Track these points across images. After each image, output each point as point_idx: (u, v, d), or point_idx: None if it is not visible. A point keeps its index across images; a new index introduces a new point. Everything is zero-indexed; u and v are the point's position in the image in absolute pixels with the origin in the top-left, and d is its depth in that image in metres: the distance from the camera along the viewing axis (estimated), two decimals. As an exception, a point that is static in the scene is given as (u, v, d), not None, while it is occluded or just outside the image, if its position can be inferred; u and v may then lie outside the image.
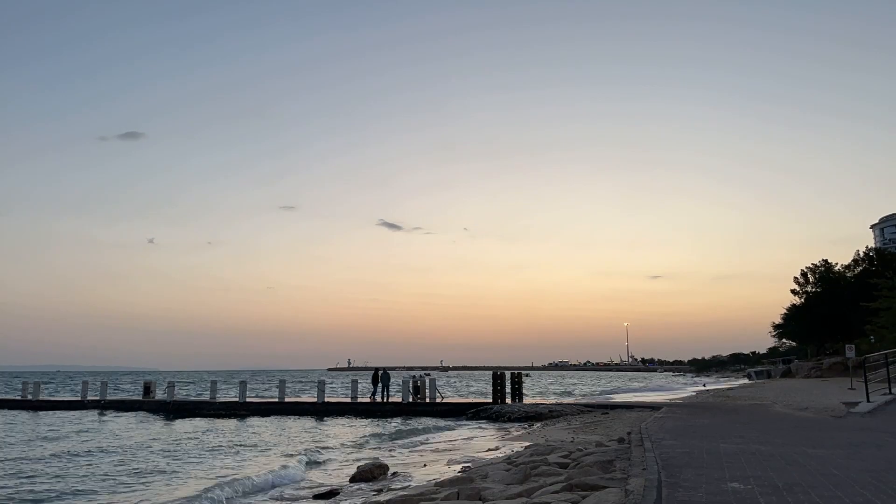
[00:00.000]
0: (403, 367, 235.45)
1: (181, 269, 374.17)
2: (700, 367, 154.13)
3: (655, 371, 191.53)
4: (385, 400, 34.71)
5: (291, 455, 18.23)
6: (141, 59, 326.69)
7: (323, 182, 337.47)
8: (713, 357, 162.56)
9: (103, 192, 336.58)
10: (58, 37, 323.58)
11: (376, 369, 36.74)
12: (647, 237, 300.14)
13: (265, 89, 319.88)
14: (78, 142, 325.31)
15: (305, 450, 19.51)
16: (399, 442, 22.28)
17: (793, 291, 67.33)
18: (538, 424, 25.92)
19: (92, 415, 34.83)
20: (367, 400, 35.52)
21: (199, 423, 29.22)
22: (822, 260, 65.38)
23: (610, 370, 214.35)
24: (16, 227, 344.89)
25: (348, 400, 36.90)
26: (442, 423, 28.55)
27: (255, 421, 30.44)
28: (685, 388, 61.86)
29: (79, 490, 13.73)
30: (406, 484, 12.86)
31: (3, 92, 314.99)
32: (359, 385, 39.58)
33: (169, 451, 19.72)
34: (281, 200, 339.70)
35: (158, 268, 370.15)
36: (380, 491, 12.18)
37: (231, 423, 29.28)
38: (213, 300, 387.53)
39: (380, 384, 35.21)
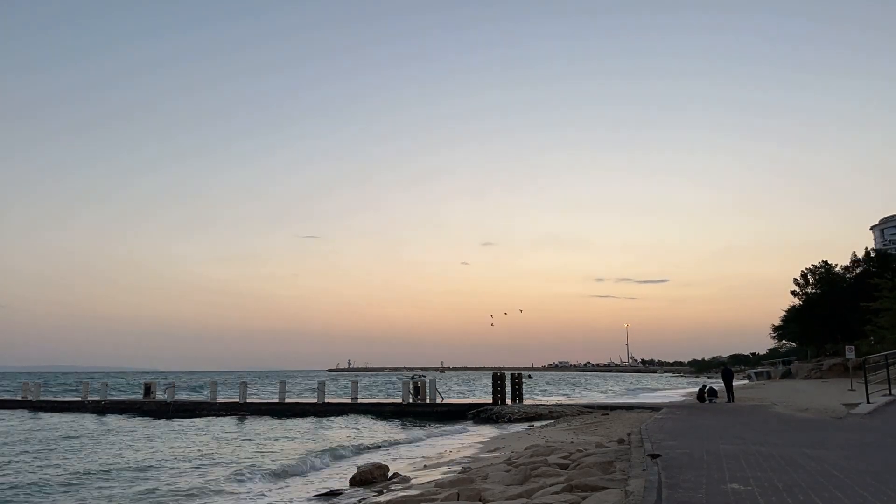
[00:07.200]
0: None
1: (185, 273, 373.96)
2: (700, 367, 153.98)
3: (655, 372, 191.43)
4: None
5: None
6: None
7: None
8: (713, 358, 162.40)
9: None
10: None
11: None
12: (647, 240, 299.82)
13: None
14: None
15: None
16: (399, 443, 22.28)
17: (793, 293, 67.23)
18: (538, 425, 25.91)
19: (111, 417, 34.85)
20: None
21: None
22: (822, 261, 65.26)
23: (610, 371, 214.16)
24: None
25: (349, 400, 36.86)
26: (442, 424, 28.53)
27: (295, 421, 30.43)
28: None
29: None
30: (406, 485, 12.85)
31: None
32: (359, 386, 39.58)
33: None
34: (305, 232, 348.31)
35: (163, 271, 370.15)
36: (380, 492, 12.16)
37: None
38: (215, 302, 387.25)
39: None
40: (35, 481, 14.70)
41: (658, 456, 8.94)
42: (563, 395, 56.09)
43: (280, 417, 32.32)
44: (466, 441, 22.08)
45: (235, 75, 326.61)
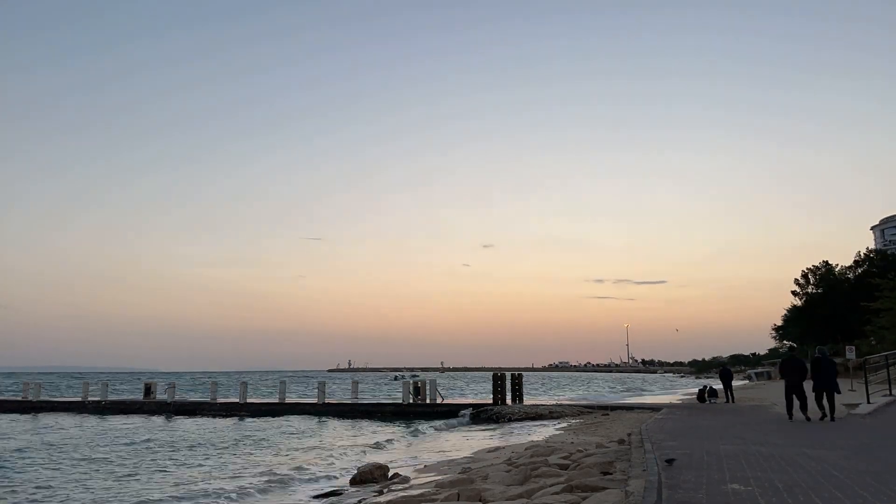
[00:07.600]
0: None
1: (185, 274, 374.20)
2: (700, 368, 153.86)
3: (656, 372, 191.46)
4: None
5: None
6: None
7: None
8: (713, 358, 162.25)
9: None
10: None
11: None
12: (645, 241, 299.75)
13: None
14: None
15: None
16: (399, 443, 22.28)
17: (793, 293, 67.26)
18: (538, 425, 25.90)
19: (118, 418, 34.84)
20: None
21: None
22: (824, 261, 65.23)
23: (610, 371, 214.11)
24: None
25: (349, 401, 36.85)
26: (442, 424, 28.52)
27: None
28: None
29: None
30: (406, 485, 12.85)
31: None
32: (359, 386, 39.60)
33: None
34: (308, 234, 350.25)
35: (163, 272, 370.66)
36: (380, 492, 12.16)
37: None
38: (216, 302, 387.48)
39: None
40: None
41: (673, 460, 8.40)
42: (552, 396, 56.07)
43: (280, 418, 32.29)
44: (466, 441, 22.08)
45: (235, 75, 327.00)
